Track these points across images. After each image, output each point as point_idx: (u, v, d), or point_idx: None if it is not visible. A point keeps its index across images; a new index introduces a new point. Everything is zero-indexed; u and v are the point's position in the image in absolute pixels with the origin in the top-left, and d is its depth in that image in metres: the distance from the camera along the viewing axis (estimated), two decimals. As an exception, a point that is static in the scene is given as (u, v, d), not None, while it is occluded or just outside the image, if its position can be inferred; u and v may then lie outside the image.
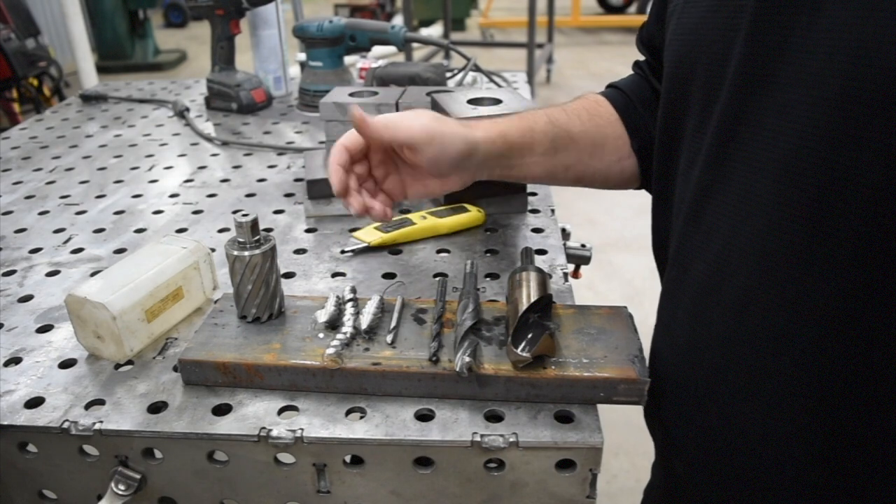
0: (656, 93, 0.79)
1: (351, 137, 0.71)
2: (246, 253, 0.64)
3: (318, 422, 0.58)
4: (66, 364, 0.67)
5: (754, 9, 0.54)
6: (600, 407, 0.59)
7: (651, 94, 0.81)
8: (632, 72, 0.86)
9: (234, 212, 1.00)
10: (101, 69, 5.44)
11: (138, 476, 0.59)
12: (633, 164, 0.80)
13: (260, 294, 0.65)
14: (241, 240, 0.65)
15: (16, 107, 4.03)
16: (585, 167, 0.79)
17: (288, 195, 1.05)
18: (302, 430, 0.56)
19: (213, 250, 0.84)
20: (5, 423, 0.59)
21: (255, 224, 0.64)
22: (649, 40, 0.79)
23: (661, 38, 0.71)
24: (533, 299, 0.62)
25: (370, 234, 0.86)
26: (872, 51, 0.46)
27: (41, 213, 1.01)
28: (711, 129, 0.60)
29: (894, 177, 0.47)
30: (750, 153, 0.56)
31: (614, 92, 0.83)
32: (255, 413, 0.59)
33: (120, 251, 0.89)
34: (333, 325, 0.65)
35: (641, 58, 0.84)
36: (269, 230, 0.93)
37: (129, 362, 0.66)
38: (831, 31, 0.48)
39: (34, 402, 0.61)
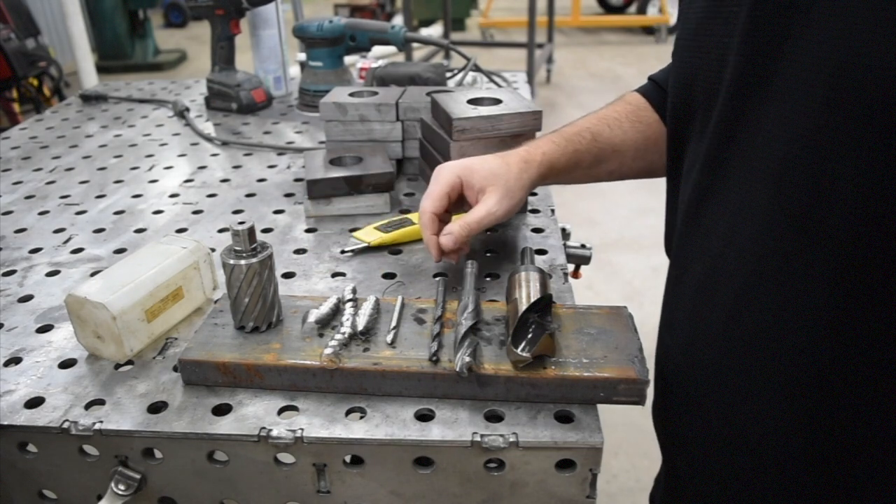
0: None
1: (436, 202, 0.75)
2: (243, 262, 0.63)
3: (318, 422, 0.58)
4: (66, 364, 0.67)
5: (746, 17, 0.54)
6: (600, 407, 0.59)
7: None
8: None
9: (235, 212, 1.00)
10: (101, 69, 5.45)
11: (138, 476, 0.59)
12: None
13: (258, 305, 0.64)
14: (237, 248, 0.63)
15: (16, 107, 4.02)
16: (629, 169, 0.83)
17: (288, 195, 1.05)
18: (302, 430, 0.56)
19: (213, 250, 0.84)
20: (5, 423, 0.59)
21: (251, 231, 0.63)
22: None
23: None
24: (533, 299, 0.62)
25: (370, 234, 0.86)
26: (854, 63, 0.47)
27: (41, 213, 1.01)
28: (709, 132, 0.60)
29: (875, 185, 0.48)
30: (746, 158, 0.56)
31: (656, 90, 0.85)
32: (255, 413, 0.59)
33: (120, 251, 0.89)
34: (324, 325, 0.65)
35: None
36: (268, 230, 0.93)
37: (129, 362, 0.66)
38: (819, 43, 0.49)
39: (34, 402, 0.61)
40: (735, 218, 0.58)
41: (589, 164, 0.80)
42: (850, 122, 0.48)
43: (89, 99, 1.60)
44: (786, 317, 0.55)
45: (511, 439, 0.55)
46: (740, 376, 0.60)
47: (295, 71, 1.87)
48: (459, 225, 0.73)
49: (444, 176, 0.75)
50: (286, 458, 0.58)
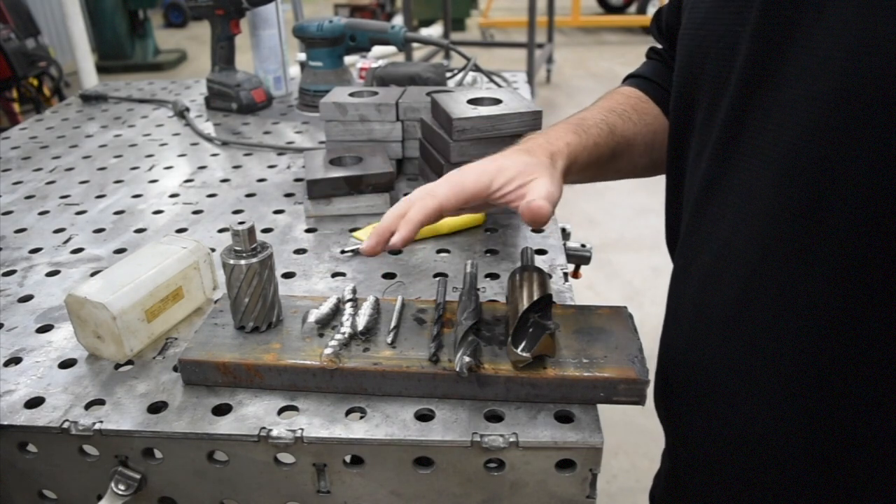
0: None
1: (453, 199, 0.62)
2: (243, 262, 0.63)
3: (318, 422, 0.58)
4: (66, 364, 0.67)
5: (761, 3, 0.54)
6: (600, 407, 0.59)
7: None
8: (645, 59, 0.87)
9: (235, 212, 1.00)
10: (101, 69, 5.44)
11: (138, 476, 0.59)
12: None
13: (258, 305, 0.64)
14: (237, 248, 0.63)
15: (16, 107, 4.02)
16: (634, 166, 0.81)
17: (288, 195, 1.05)
18: (302, 430, 0.56)
19: (213, 250, 0.84)
20: (5, 423, 0.59)
21: (251, 231, 0.63)
22: (668, 30, 0.79)
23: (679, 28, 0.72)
24: (533, 299, 0.62)
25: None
26: (869, 50, 0.46)
27: (41, 213, 1.01)
28: (718, 122, 0.60)
29: (886, 176, 0.47)
30: (754, 147, 0.56)
31: (648, 84, 0.84)
32: (255, 413, 0.59)
33: (120, 251, 0.89)
34: (324, 325, 0.65)
35: (657, 45, 0.85)
36: (269, 230, 0.93)
37: (129, 362, 0.66)
38: (832, 29, 0.49)
39: (34, 402, 0.61)
40: (742, 208, 0.58)
41: (606, 160, 0.75)
42: (858, 110, 0.48)
43: (89, 99, 1.60)
44: (790, 309, 0.55)
45: (511, 439, 0.55)
46: (742, 371, 0.60)
47: (295, 71, 1.87)
48: (545, 197, 0.63)
49: (474, 176, 0.64)
50: (286, 458, 0.58)
